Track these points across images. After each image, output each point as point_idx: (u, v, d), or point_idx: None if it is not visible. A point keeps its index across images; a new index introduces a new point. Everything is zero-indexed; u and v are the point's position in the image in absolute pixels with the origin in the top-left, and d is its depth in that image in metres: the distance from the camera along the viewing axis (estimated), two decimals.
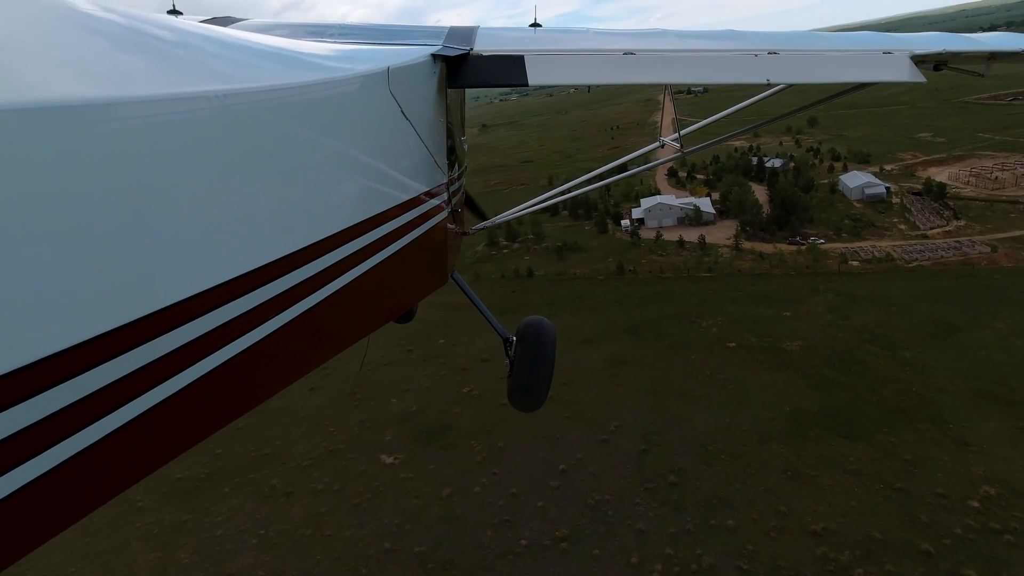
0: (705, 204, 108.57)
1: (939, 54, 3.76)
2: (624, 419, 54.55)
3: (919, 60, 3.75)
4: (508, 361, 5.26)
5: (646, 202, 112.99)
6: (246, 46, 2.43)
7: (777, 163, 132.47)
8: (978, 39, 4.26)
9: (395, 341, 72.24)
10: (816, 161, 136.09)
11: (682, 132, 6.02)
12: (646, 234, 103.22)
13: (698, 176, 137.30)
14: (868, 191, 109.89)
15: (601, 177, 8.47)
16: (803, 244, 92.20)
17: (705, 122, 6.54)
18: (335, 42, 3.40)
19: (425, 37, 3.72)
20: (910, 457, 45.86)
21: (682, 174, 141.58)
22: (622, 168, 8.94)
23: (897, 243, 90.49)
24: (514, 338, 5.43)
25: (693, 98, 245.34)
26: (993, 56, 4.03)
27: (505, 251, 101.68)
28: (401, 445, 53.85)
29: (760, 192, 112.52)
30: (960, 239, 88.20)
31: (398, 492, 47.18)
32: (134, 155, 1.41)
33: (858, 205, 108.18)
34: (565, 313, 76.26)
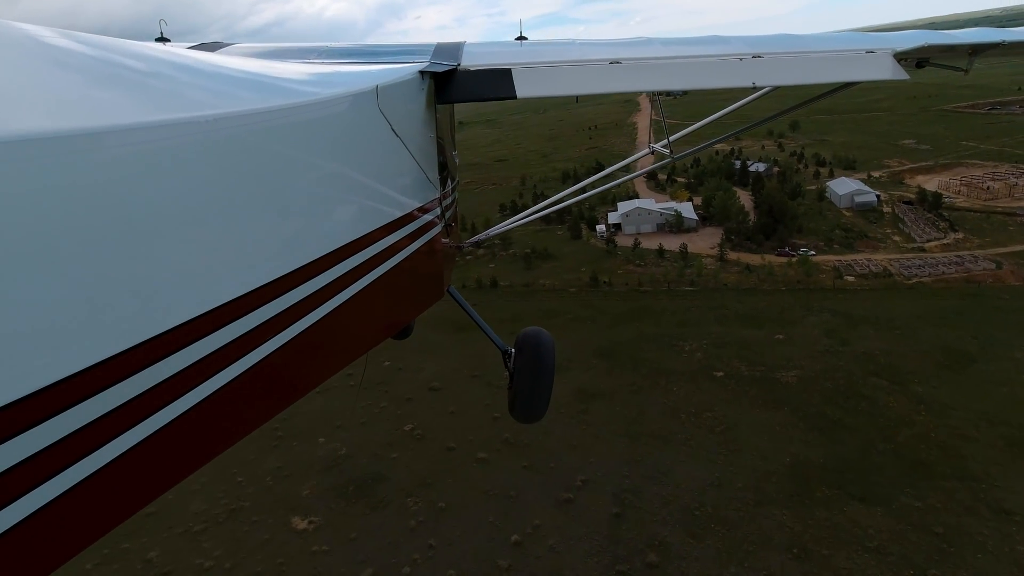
0: (687, 209, 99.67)
1: (921, 49, 3.64)
2: (593, 471, 44.72)
3: (901, 58, 3.70)
4: (508, 373, 4.98)
5: (623, 206, 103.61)
6: (235, 71, 2.39)
7: (761, 167, 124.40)
8: (958, 34, 4.16)
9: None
10: (800, 166, 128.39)
11: (671, 138, 5.57)
12: (623, 241, 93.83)
13: (679, 179, 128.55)
14: (858, 199, 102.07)
15: (592, 185, 7.94)
16: (793, 256, 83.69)
17: (694, 127, 6.13)
18: (323, 63, 3.39)
19: (412, 54, 3.65)
20: (942, 531, 36.78)
21: (662, 177, 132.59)
22: (612, 175, 8.54)
23: (893, 256, 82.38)
24: (513, 350, 5.08)
25: (673, 99, 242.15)
26: (974, 50, 3.81)
27: (469, 258, 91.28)
28: (320, 503, 43.22)
29: (744, 198, 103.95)
30: (961, 253, 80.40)
31: (304, 573, 36.64)
32: (126, 183, 1.41)
33: (848, 214, 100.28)
34: None
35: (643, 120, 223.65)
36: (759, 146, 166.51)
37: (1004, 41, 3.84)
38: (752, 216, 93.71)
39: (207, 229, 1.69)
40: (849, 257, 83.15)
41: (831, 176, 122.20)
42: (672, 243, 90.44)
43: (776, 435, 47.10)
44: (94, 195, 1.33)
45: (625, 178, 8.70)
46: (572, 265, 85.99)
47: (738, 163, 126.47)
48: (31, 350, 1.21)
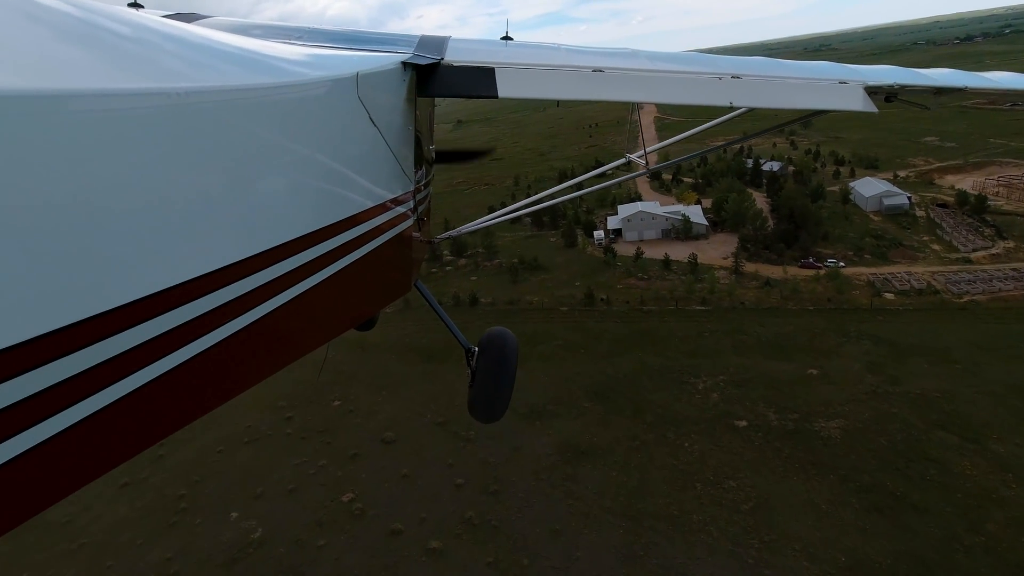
0: (695, 213, 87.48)
1: (891, 87, 3.86)
2: (581, 570, 32.90)
3: (872, 91, 3.83)
4: (470, 372, 4.91)
5: (624, 209, 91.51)
6: (210, 44, 2.31)
7: (775, 166, 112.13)
8: (927, 75, 4.40)
9: (272, 400, 49.80)
10: (818, 165, 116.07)
11: (648, 150, 5.73)
12: (624, 249, 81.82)
13: (685, 179, 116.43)
14: (887, 201, 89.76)
15: (578, 187, 7.74)
16: (820, 268, 71.59)
17: (671, 140, 6.49)
18: (304, 45, 3.26)
19: (396, 44, 3.55)
20: None
21: (666, 176, 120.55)
22: (594, 180, 8.90)
23: (936, 269, 70.08)
24: (476, 349, 4.98)
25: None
26: (939, 91, 4.13)
27: (449, 268, 79.50)
28: None
29: (760, 200, 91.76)
30: (1017, 266, 68.09)
31: None
32: (88, 150, 1.37)
33: (876, 218, 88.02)
34: None
35: (646, 118, 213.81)
36: (770, 143, 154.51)
37: (967, 87, 4.12)
38: (770, 221, 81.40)
39: (168, 204, 1.60)
40: (884, 269, 70.94)
41: (852, 176, 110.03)
42: (679, 252, 78.39)
43: (823, 518, 35.11)
44: (53, 159, 1.27)
45: (601, 186, 8.86)
46: (565, 278, 74.03)
47: (750, 162, 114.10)
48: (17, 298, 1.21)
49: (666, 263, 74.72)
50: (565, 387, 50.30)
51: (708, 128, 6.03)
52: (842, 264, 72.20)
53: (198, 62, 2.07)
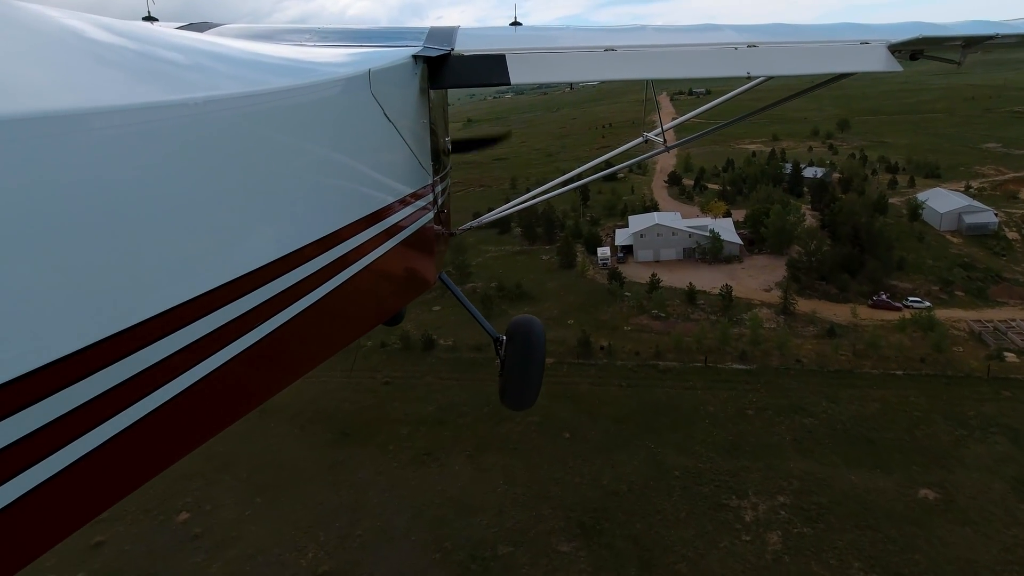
0: (726, 229, 67.63)
1: (915, 41, 3.54)
2: None
3: (895, 49, 3.58)
4: (499, 360, 4.87)
5: (637, 221, 71.86)
6: (224, 52, 2.35)
7: (818, 172, 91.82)
8: (952, 26, 3.97)
9: (247, 476, 31.49)
10: (868, 172, 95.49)
11: (665, 127, 5.35)
12: (635, 273, 62.45)
13: (710, 185, 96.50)
14: (969, 219, 69.24)
15: (587, 173, 7.30)
16: (900, 308, 51.71)
17: (688, 116, 5.94)
18: (314, 46, 3.26)
19: (405, 38, 3.49)
20: None
21: (687, 181, 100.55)
22: (607, 165, 7.93)
23: None
24: (504, 338, 4.91)
25: (695, 99, 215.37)
26: (967, 42, 3.69)
27: None
28: None
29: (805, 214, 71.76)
30: None
31: None
32: (114, 165, 1.38)
33: (956, 240, 67.67)
34: (453, 460, 35.81)
35: (664, 120, 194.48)
36: (804, 147, 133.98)
37: (998, 34, 3.72)
38: (823, 243, 61.25)
39: (197, 214, 1.61)
40: (989, 314, 50.69)
41: (912, 186, 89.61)
42: (707, 279, 58.92)
43: None
44: (79, 177, 1.27)
45: (620, 166, 7.44)
46: (556, 313, 54.59)
47: (788, 167, 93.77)
48: (10, 335, 1.17)
49: (690, 295, 55.13)
50: (533, 507, 31.17)
51: (726, 101, 5.49)
52: (929, 304, 52.17)
53: (213, 71, 2.04)
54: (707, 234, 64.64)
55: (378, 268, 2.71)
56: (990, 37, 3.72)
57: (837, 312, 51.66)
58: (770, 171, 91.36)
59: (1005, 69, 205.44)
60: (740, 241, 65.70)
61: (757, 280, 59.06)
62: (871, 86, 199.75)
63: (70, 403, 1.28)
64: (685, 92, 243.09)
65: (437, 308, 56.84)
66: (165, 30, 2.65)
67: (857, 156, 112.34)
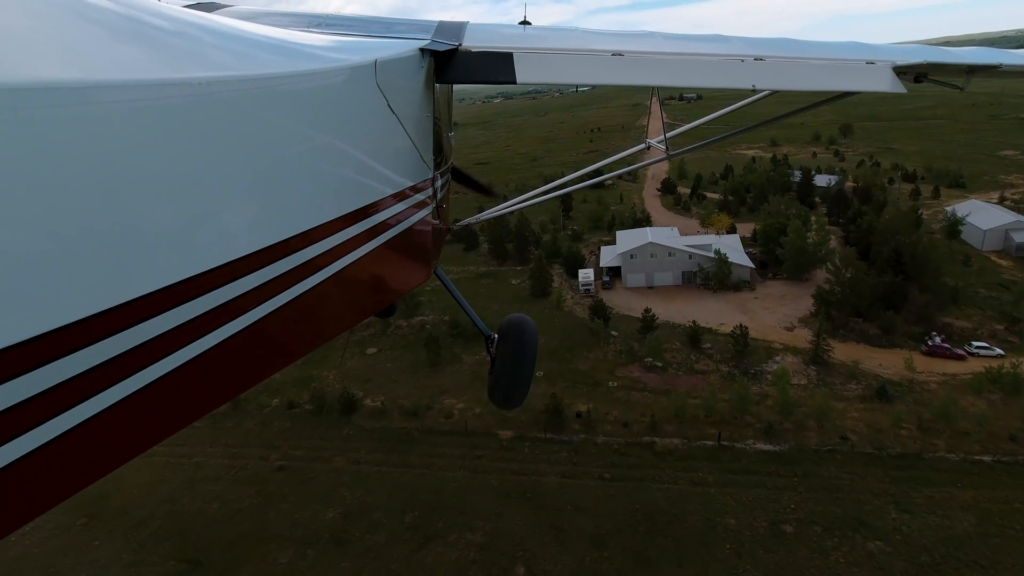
0: (733, 248, 55.09)
1: (920, 65, 3.57)
2: None
3: (900, 71, 3.56)
4: (490, 358, 4.81)
5: (627, 238, 59.15)
6: (231, 33, 2.30)
7: (830, 181, 79.93)
8: (957, 52, 4.04)
9: None
10: (885, 181, 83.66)
11: (668, 135, 5.38)
12: (624, 302, 49.84)
13: (709, 195, 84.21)
14: (1019, 238, 57.49)
15: (587, 177, 7.51)
16: (962, 356, 39.47)
17: (692, 125, 5.79)
18: (322, 32, 3.17)
19: (414, 31, 3.43)
20: None
21: (683, 190, 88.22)
22: (608, 170, 7.99)
23: None
24: (496, 336, 4.85)
25: (686, 104, 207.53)
26: (971, 70, 3.75)
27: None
28: None
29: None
30: None
31: None
32: (112, 140, 1.36)
33: (1004, 262, 55.84)
34: None
35: (654, 123, 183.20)
36: (806, 153, 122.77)
37: (1001, 64, 3.80)
38: (858, 267, 48.69)
39: (194, 195, 1.60)
40: None
41: (936, 197, 77.99)
42: (713, 312, 46.41)
43: None
44: (80, 149, 1.26)
45: (620, 171, 7.79)
46: None
47: (797, 174, 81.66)
48: (21, 300, 1.18)
49: (693, 337, 42.49)
50: None
51: (730, 112, 5.46)
52: (1001, 352, 39.94)
53: (219, 51, 2.02)
54: (711, 255, 52.17)
55: (374, 259, 2.65)
56: (994, 67, 3.76)
57: (884, 361, 39.21)
58: (777, 179, 79.12)
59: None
60: (751, 264, 53.29)
61: (775, 315, 46.60)
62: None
63: (45, 382, 1.26)
64: (676, 97, 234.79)
65: (372, 351, 43.83)
66: (172, 7, 2.54)
67: (868, 163, 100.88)
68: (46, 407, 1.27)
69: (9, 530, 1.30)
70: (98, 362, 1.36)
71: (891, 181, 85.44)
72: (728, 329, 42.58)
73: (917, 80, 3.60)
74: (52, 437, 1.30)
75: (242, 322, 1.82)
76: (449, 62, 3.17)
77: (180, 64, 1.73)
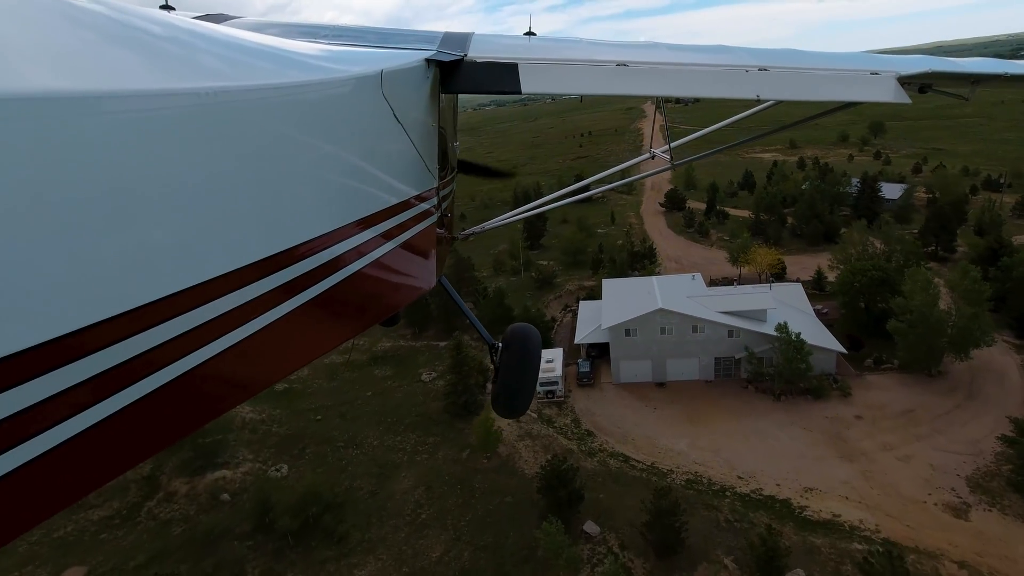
0: (797, 310, 31.39)
1: (925, 75, 3.54)
2: None
3: (905, 81, 3.51)
4: (494, 367, 4.63)
5: (619, 291, 35.10)
6: (240, 44, 2.32)
7: (896, 191, 56.33)
8: (962, 63, 4.09)
9: None
10: (967, 191, 60.11)
11: (673, 144, 5.29)
12: (612, 420, 26.34)
13: (731, 211, 60.37)
14: None
15: (594, 185, 7.14)
16: None
17: (698, 134, 5.74)
18: (328, 43, 3.20)
19: (419, 41, 3.42)
20: None
21: (694, 204, 64.36)
22: (612, 178, 7.69)
23: None
24: (500, 344, 4.74)
25: (684, 107, 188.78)
26: (976, 80, 3.75)
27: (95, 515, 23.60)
28: None
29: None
30: None
31: None
32: (118, 150, 1.36)
33: None
34: None
35: (649, 127, 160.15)
36: (837, 155, 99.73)
37: (1007, 73, 3.82)
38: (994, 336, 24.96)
39: (198, 203, 1.59)
40: None
41: None
42: (782, 453, 22.94)
43: None
44: (87, 158, 1.26)
45: (624, 181, 7.42)
46: None
47: (856, 184, 57.83)
48: (12, 311, 1.16)
49: (768, 548, 18.80)
50: None
51: (736, 122, 5.47)
52: None
53: (228, 62, 2.03)
54: (771, 332, 28.37)
55: (379, 268, 2.67)
56: (998, 76, 3.79)
57: None
58: (827, 189, 55.25)
59: None
60: (839, 347, 29.41)
61: (911, 465, 22.66)
62: None
63: (55, 386, 1.26)
64: (672, 100, 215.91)
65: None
66: (181, 18, 2.66)
67: (924, 165, 77.54)
68: (52, 413, 1.27)
69: (12, 536, 1.29)
70: (103, 368, 1.35)
71: (974, 191, 61.94)
72: (828, 504, 18.76)
73: (922, 90, 3.55)
74: (58, 442, 1.29)
75: (247, 329, 1.77)
76: (454, 72, 3.16)
77: (190, 74, 1.72)
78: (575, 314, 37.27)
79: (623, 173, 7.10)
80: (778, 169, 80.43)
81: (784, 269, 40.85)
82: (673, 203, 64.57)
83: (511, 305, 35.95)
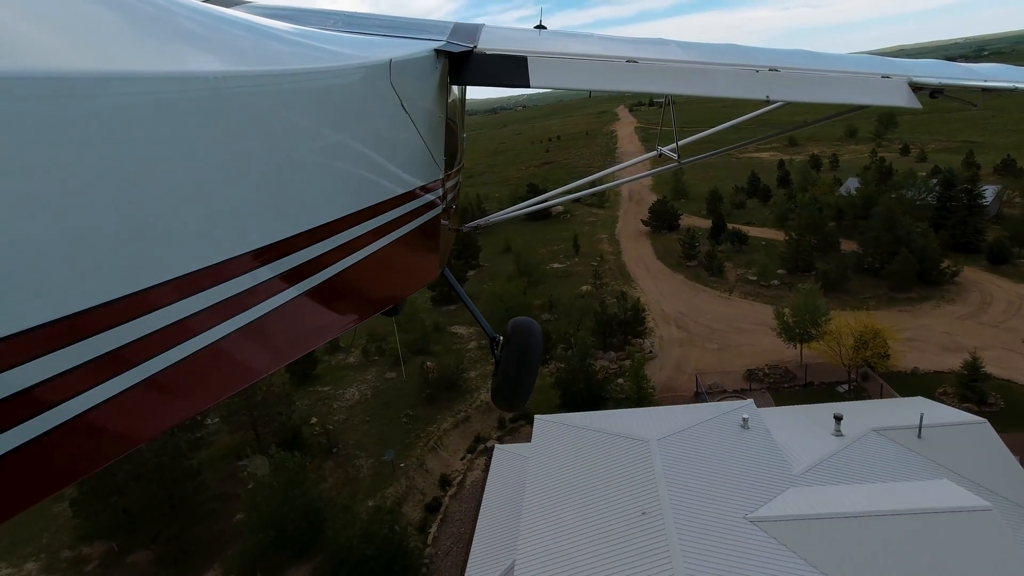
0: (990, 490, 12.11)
1: (937, 83, 3.51)
2: None
3: (916, 87, 3.49)
4: (495, 360, 4.52)
5: (557, 457, 15.11)
6: (250, 27, 2.26)
7: (987, 193, 37.46)
8: (975, 70, 4.06)
9: None
10: None
11: (680, 142, 5.08)
12: None
13: (750, 231, 40.78)
14: None
15: (599, 183, 7.07)
16: None
17: (705, 133, 5.69)
18: (339, 30, 3.13)
19: (429, 31, 3.32)
20: None
21: (690, 222, 44.67)
22: (598, 182, 7.31)
23: None
24: (501, 338, 4.63)
25: (657, 110, 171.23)
26: (987, 89, 3.71)
27: None
28: None
29: None
30: None
31: None
32: (124, 131, 1.33)
33: None
34: None
35: (624, 129, 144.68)
36: (850, 152, 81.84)
37: (1017, 88, 3.84)
38: None
39: (205, 189, 1.56)
40: None
41: None
42: None
43: None
44: (94, 139, 1.25)
45: (627, 180, 7.33)
46: None
47: (927, 193, 38.56)
48: (24, 287, 1.14)
49: None
50: None
51: (744, 122, 5.31)
52: None
53: (237, 47, 1.99)
54: None
55: (383, 257, 2.60)
56: (1010, 90, 3.79)
57: None
58: (894, 204, 35.61)
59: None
60: None
61: None
62: None
63: (69, 361, 1.25)
64: (645, 103, 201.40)
65: None
66: (191, 2, 2.46)
67: (970, 163, 59.41)
68: (57, 391, 1.24)
69: (9, 515, 1.25)
70: (104, 351, 1.32)
71: None
72: None
73: (932, 96, 3.54)
74: (61, 421, 1.27)
75: (251, 314, 1.75)
76: (464, 64, 3.12)
77: (199, 58, 1.68)
78: (486, 471, 17.24)
79: (630, 171, 6.41)
80: (795, 169, 61.58)
81: (884, 355, 21.08)
82: (661, 219, 44.90)
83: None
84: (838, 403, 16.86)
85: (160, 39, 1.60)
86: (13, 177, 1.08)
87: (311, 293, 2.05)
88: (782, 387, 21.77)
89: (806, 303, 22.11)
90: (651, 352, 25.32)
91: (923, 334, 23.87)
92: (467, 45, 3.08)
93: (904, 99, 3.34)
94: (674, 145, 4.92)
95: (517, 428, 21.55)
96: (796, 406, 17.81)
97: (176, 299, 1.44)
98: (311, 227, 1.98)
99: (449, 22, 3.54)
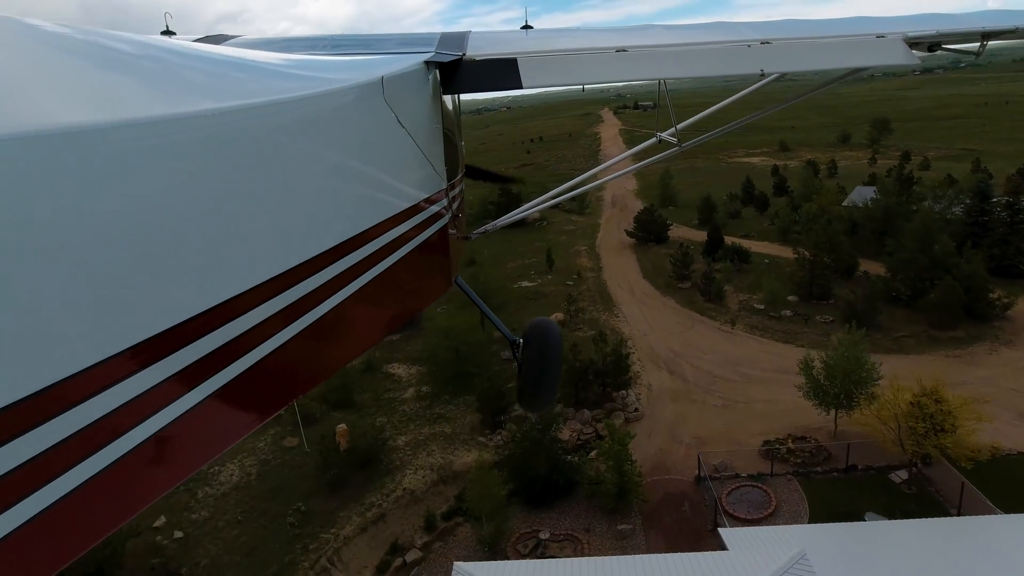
0: None
1: (934, 35, 3.46)
2: None
3: (913, 42, 3.45)
4: (516, 364, 4.69)
5: None
6: (242, 63, 2.36)
7: None
8: (971, 17, 3.89)
9: None
10: None
11: (679, 126, 5.03)
12: None
13: (751, 246, 35.26)
14: None
15: (603, 174, 6.94)
16: None
17: (702, 115, 5.50)
18: (327, 54, 3.19)
19: (417, 44, 3.43)
20: None
21: (681, 232, 38.95)
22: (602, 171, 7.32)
23: None
24: (521, 341, 4.73)
25: (641, 113, 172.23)
26: (987, 35, 3.61)
27: None
28: None
29: None
30: None
31: None
32: (129, 179, 1.35)
33: None
34: None
35: (608, 131, 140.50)
36: (846, 159, 77.02)
37: (1018, 27, 3.63)
38: None
39: (209, 226, 1.57)
40: None
41: None
42: None
43: None
44: (96, 190, 1.25)
45: (632, 168, 7.32)
46: None
47: (957, 206, 33.35)
48: (31, 349, 1.14)
49: None
50: None
51: (739, 99, 5.23)
52: None
53: (231, 82, 2.04)
54: None
55: (395, 273, 2.63)
56: (1010, 31, 3.64)
57: None
58: (923, 220, 30.27)
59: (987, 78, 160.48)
60: None
61: None
62: (852, 94, 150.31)
63: (93, 414, 1.25)
64: (630, 106, 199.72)
65: None
66: (183, 43, 2.62)
67: (977, 166, 54.78)
68: (87, 442, 1.24)
69: (103, 534, 1.28)
70: (123, 401, 1.32)
71: None
72: None
73: (931, 49, 3.49)
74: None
75: (269, 346, 1.75)
76: (454, 72, 3.14)
77: (195, 97, 1.70)
78: None
79: (633, 159, 6.75)
80: (792, 176, 56.50)
81: (946, 429, 15.38)
82: (648, 230, 39.11)
83: None
84: (924, 517, 10.94)
85: (159, 82, 1.64)
86: (15, 233, 1.09)
87: (328, 317, 2.00)
88: (814, 472, 15.95)
89: (847, 356, 16.32)
90: (636, 410, 19.38)
91: (986, 390, 18.19)
92: (456, 53, 3.06)
93: (902, 57, 3.30)
94: (673, 129, 4.71)
95: (452, 529, 15.38)
96: (873, 524, 11.83)
97: (191, 340, 1.43)
98: (321, 252, 1.93)
99: (436, 33, 3.55)
